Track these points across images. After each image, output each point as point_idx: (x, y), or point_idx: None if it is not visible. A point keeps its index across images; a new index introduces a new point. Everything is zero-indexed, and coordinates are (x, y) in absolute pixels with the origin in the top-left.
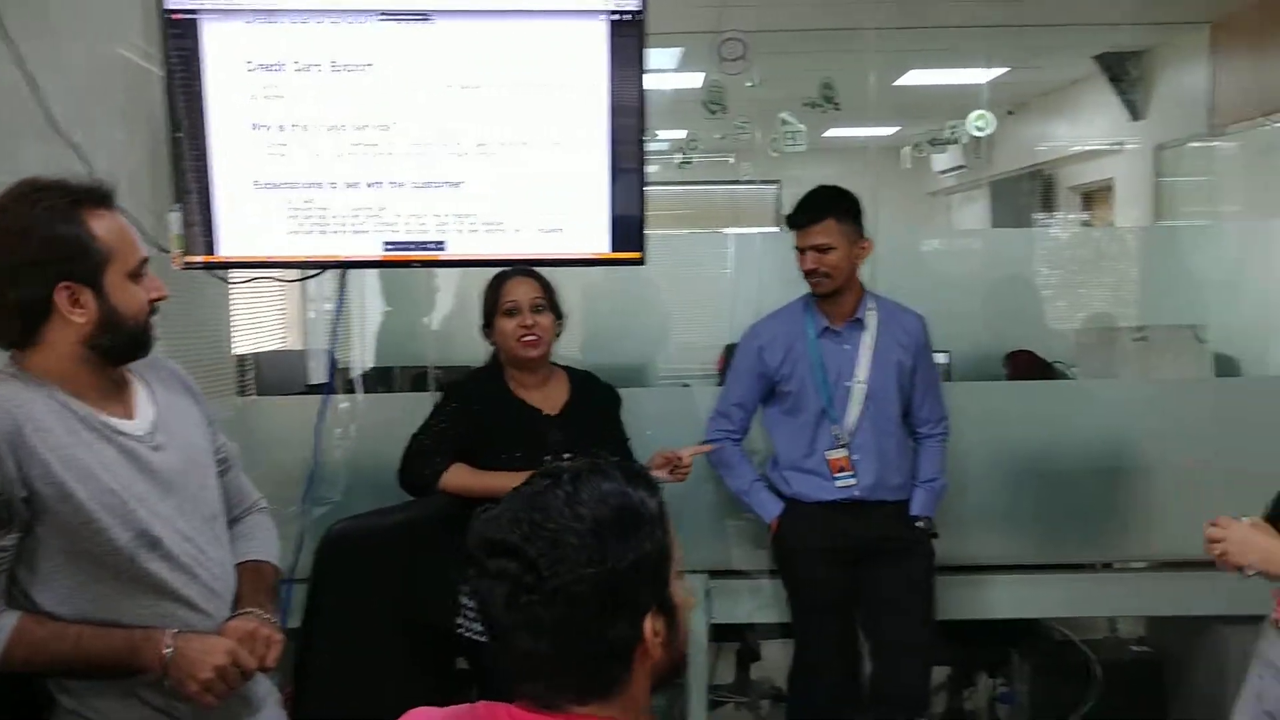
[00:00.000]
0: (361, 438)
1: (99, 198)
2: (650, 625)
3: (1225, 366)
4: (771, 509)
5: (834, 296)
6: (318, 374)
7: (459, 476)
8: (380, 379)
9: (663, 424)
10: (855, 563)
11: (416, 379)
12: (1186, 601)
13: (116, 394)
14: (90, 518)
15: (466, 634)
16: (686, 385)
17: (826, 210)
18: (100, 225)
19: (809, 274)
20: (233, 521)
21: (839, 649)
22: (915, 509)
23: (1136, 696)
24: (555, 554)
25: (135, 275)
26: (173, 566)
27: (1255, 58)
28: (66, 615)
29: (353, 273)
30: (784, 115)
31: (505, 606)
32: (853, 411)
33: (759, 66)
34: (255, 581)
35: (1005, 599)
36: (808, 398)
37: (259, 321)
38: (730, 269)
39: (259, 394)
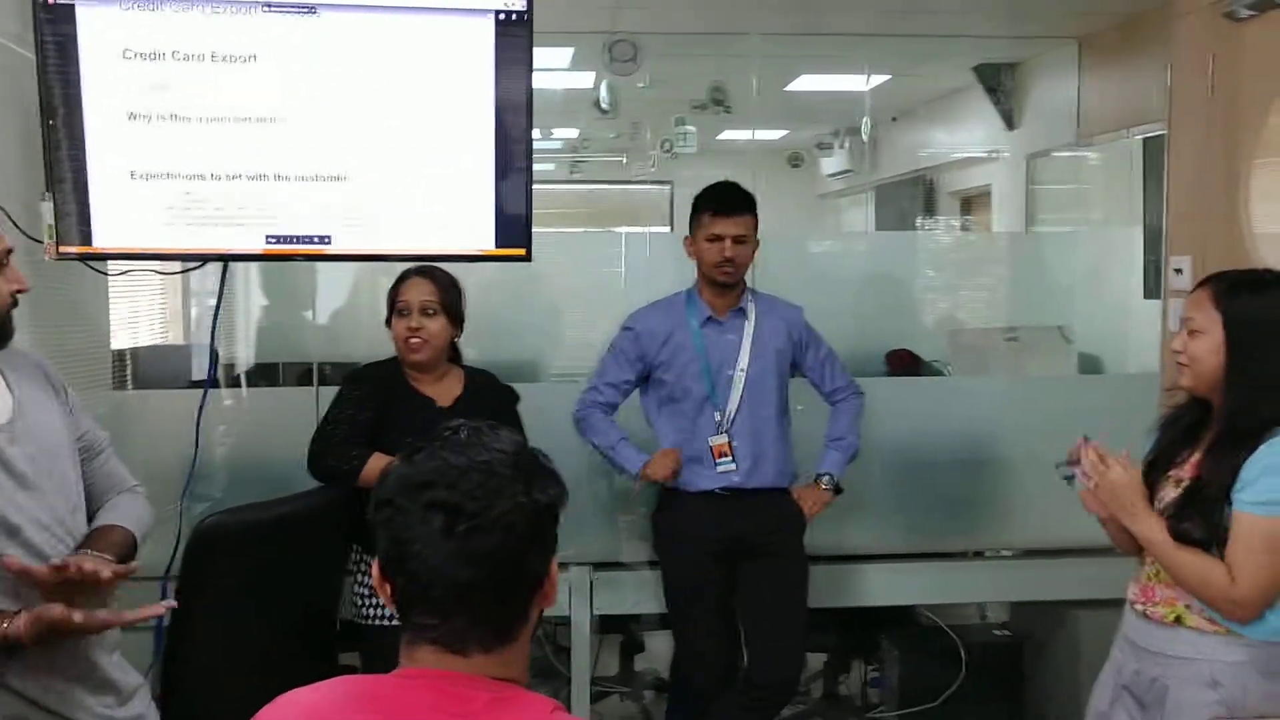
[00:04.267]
0: (244, 433)
1: None
2: (554, 565)
3: (1089, 365)
4: (637, 460)
5: (730, 287)
6: (201, 369)
7: (379, 466)
8: (265, 375)
9: (553, 420)
10: (732, 554)
11: (302, 375)
12: (1047, 587)
13: None
14: None
15: (362, 621)
16: (576, 382)
17: (748, 204)
18: None
19: (722, 263)
20: (104, 504)
21: (717, 638)
22: (822, 466)
23: (998, 677)
24: (491, 484)
25: None
26: (31, 555)
27: (1119, 73)
28: None
29: (238, 267)
30: (678, 117)
31: (443, 537)
32: (733, 399)
33: (651, 68)
34: (100, 535)
35: (879, 587)
36: (689, 385)
37: (139, 315)
38: (622, 267)
39: (138, 388)
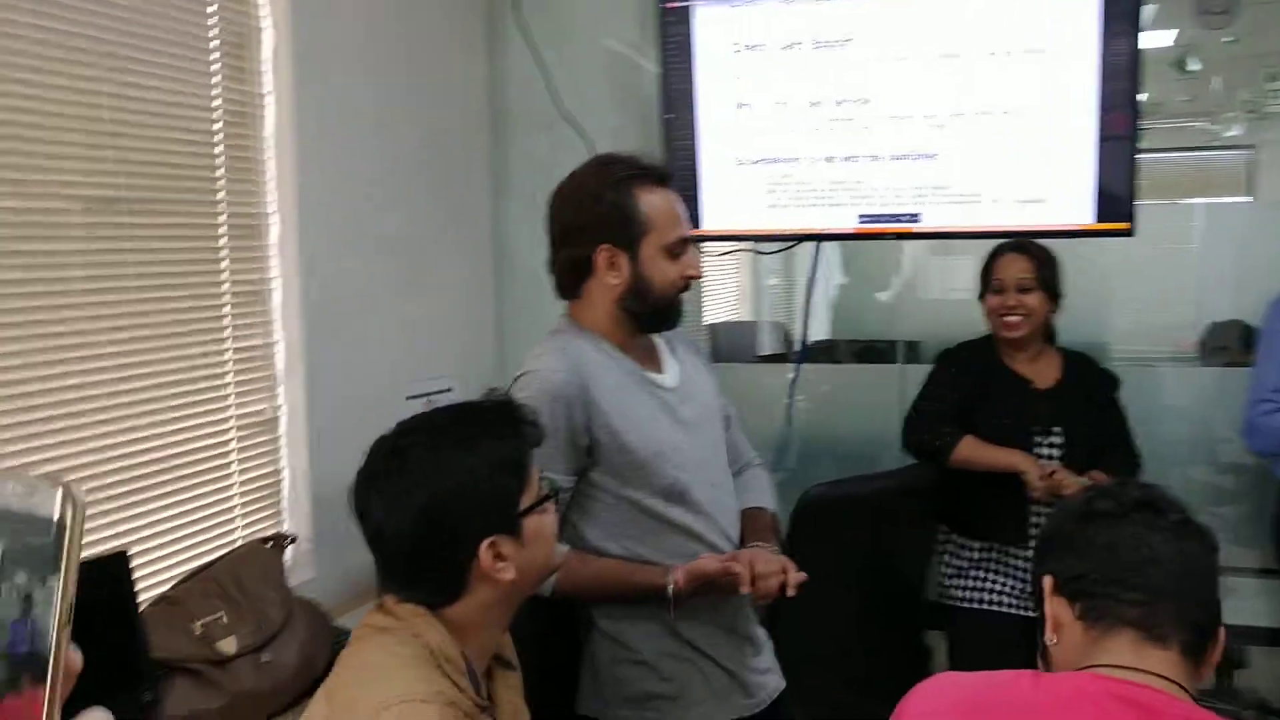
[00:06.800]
0: (817, 408)
1: (656, 176)
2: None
3: None
4: None
5: None
6: (768, 345)
7: (970, 449)
8: (824, 352)
9: (1125, 406)
10: None
11: (860, 352)
12: None
13: (648, 350)
14: (638, 464)
15: (948, 602)
16: (1150, 366)
17: None
18: (647, 200)
19: None
20: (734, 475)
21: None
22: None
23: None
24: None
25: (671, 251)
26: (695, 511)
27: None
28: (612, 550)
29: (808, 246)
30: (1270, 72)
31: (1154, 525)
32: None
33: (1244, 19)
34: (755, 522)
35: None
36: None
37: (717, 292)
38: (1196, 242)
39: (715, 361)
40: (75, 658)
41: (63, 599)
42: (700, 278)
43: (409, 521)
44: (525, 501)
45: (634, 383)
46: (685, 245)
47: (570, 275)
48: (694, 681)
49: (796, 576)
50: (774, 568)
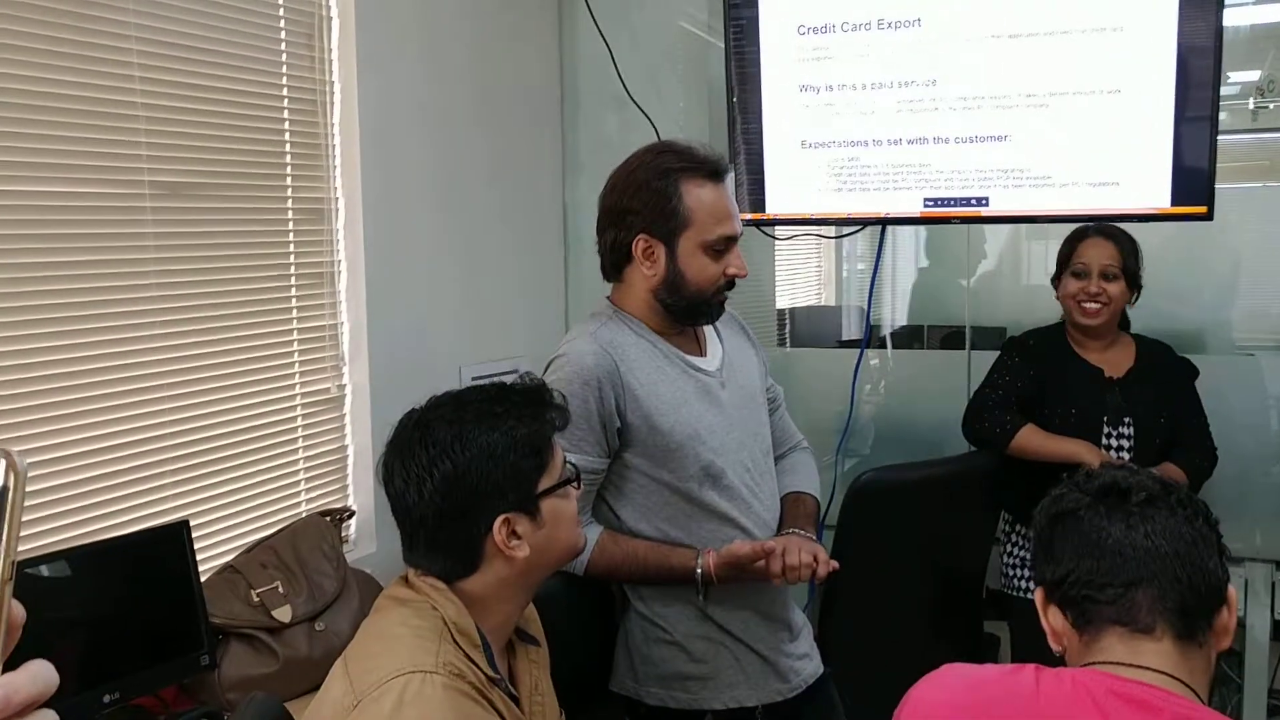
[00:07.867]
0: (895, 394)
1: (707, 170)
2: (1232, 596)
3: None
4: None
5: None
6: (850, 330)
7: (1030, 438)
8: (910, 337)
9: (1227, 396)
10: None
11: (946, 338)
12: None
13: (690, 333)
14: (671, 447)
15: (1011, 592)
16: (1250, 355)
17: None
18: (693, 194)
19: None
20: (778, 458)
21: None
22: None
23: None
24: (1154, 482)
25: (711, 249)
26: (729, 495)
27: None
28: (645, 531)
29: (888, 230)
30: None
31: (1118, 511)
32: None
33: None
34: (795, 508)
35: None
36: None
37: (796, 277)
38: None
39: (793, 347)
40: (18, 612)
41: (5, 557)
42: (744, 276)
43: (428, 492)
44: (544, 483)
45: (670, 366)
46: (729, 244)
47: (611, 259)
48: (726, 664)
49: (826, 566)
50: (805, 559)
